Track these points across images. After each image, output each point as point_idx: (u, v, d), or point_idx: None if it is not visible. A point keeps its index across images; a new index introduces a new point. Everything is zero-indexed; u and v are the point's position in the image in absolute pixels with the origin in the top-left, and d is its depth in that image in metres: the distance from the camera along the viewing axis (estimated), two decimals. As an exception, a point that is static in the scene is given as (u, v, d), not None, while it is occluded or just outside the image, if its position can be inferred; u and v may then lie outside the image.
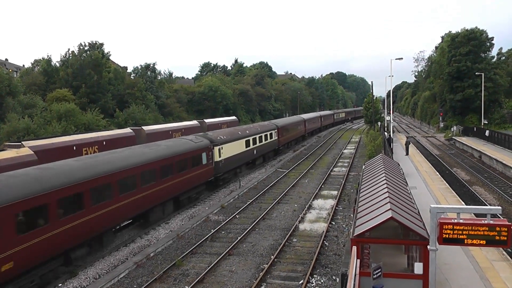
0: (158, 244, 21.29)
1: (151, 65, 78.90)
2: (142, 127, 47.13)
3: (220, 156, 32.93)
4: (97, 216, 18.88)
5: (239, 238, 21.76)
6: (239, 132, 39.28)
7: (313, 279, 16.97)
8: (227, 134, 36.49)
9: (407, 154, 44.97)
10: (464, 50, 74.19)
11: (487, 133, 56.64)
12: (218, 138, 33.46)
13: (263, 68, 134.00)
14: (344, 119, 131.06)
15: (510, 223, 9.49)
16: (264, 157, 46.97)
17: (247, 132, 41.13)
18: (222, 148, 33.27)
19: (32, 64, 73.23)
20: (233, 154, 35.87)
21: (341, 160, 48.36)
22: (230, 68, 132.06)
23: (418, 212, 14.53)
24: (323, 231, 22.46)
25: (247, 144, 39.86)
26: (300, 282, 16.61)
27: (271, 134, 48.10)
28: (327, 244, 20.96)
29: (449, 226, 9.62)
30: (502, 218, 10.53)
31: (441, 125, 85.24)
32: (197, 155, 29.27)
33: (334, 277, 17.00)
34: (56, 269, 17.42)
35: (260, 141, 44.00)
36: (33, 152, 27.23)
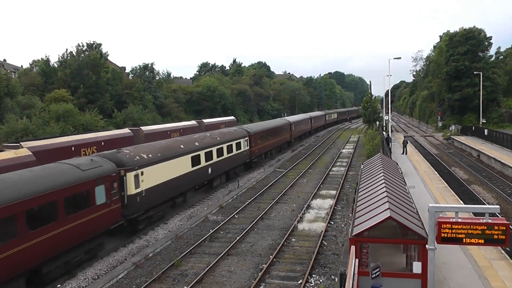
0: (157, 244, 21.27)
1: (149, 65, 79.00)
2: (141, 127, 47.09)
3: (138, 186, 22.10)
4: None
5: (237, 238, 21.73)
6: (182, 145, 28.36)
7: (312, 279, 16.97)
8: (158, 149, 25.52)
9: (404, 153, 45.15)
10: (462, 49, 74.29)
11: (485, 132, 56.74)
12: (136, 159, 22.56)
13: (261, 68, 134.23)
14: (336, 120, 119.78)
15: (508, 222, 9.52)
16: (228, 174, 36.53)
17: (197, 144, 30.37)
18: (143, 173, 22.51)
19: (30, 64, 73.35)
20: (167, 179, 25.16)
21: (339, 160, 48.38)
22: (228, 68, 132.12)
23: (417, 211, 14.53)
24: (322, 231, 22.46)
25: (196, 161, 29.18)
26: (299, 282, 16.60)
27: (239, 143, 37.60)
28: (325, 243, 20.96)
29: (447, 225, 9.65)
30: (500, 217, 10.54)
31: (440, 124, 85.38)
32: (84, 193, 18.39)
33: (333, 277, 17.01)
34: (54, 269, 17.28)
35: (221, 154, 33.56)
36: (31, 153, 27.19)
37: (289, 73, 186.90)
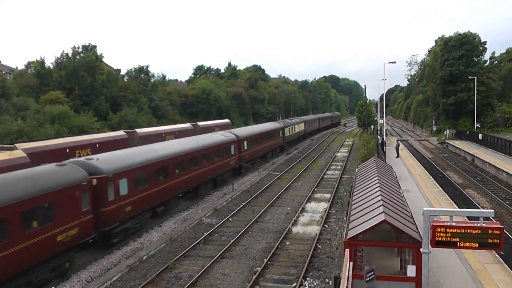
0: (151, 247, 21.20)
1: (145, 68, 78.73)
2: (136, 129, 46.89)
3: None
4: None
5: (232, 241, 21.70)
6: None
7: (306, 282, 16.95)
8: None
9: (397, 156, 45.53)
10: (457, 54, 74.59)
11: (480, 136, 56.97)
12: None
13: (257, 71, 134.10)
14: (302, 133, 77.89)
15: (502, 226, 9.55)
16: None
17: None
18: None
19: (25, 66, 72.66)
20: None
21: (334, 163, 48.45)
22: (223, 71, 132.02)
23: (411, 215, 14.56)
24: (316, 234, 22.47)
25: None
26: (293, 285, 16.59)
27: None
28: (320, 247, 20.96)
29: (442, 229, 9.66)
30: (494, 221, 10.58)
31: (434, 128, 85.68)
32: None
33: (327, 280, 17.00)
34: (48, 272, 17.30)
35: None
36: (26, 155, 27.02)
37: (284, 76, 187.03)
